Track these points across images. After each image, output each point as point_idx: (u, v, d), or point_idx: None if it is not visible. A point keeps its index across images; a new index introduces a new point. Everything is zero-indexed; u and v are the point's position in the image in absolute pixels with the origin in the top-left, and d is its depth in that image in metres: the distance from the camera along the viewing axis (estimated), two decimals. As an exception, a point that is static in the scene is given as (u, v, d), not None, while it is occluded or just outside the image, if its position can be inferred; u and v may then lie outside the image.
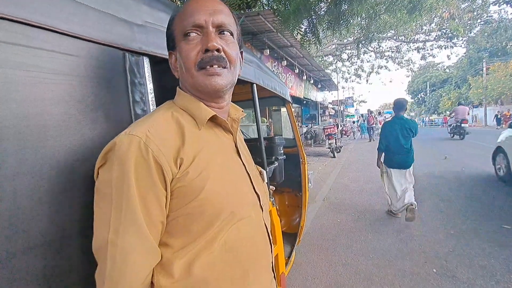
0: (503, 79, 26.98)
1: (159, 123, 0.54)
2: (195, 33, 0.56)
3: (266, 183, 1.24)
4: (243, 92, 2.15)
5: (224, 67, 0.58)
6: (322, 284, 2.16)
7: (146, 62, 0.74)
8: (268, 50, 7.19)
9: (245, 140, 1.90)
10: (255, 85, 1.28)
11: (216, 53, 0.56)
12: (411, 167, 3.31)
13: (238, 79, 1.23)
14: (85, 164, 0.58)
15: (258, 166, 0.74)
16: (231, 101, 0.70)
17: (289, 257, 2.05)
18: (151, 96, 0.74)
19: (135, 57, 0.71)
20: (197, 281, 0.52)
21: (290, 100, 1.95)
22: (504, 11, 15.31)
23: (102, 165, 0.50)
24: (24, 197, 0.49)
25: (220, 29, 0.58)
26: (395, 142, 3.24)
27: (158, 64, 0.85)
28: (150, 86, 0.74)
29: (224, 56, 0.57)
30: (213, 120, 0.60)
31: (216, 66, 0.56)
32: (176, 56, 0.61)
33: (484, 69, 29.35)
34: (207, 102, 0.61)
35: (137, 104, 0.70)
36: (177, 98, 0.62)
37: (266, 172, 1.26)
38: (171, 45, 0.61)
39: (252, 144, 1.75)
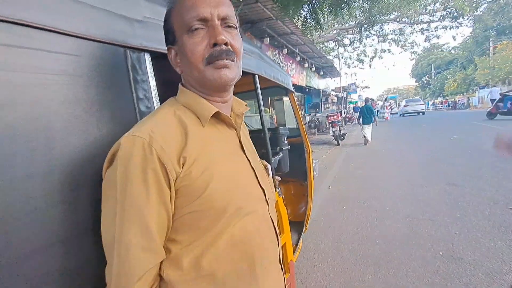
0: (511, 58, 26.27)
1: (161, 122, 0.54)
2: (200, 26, 0.55)
3: (272, 176, 1.26)
4: (245, 83, 2.13)
5: (232, 61, 0.57)
6: (329, 270, 2.20)
7: (147, 58, 0.74)
8: (268, 39, 7.09)
9: (249, 131, 1.90)
10: (257, 75, 1.27)
11: (224, 47, 0.55)
12: (370, 124, 8.78)
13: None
14: (94, 163, 0.59)
15: (263, 161, 0.74)
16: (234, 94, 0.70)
17: (296, 245, 2.08)
18: (154, 93, 0.74)
19: (137, 53, 0.71)
20: (205, 274, 0.53)
21: (292, 90, 1.93)
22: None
23: (109, 166, 0.52)
24: (36, 198, 0.50)
25: (225, 22, 0.57)
26: (364, 115, 8.79)
27: (160, 59, 0.85)
28: (152, 82, 0.74)
29: (232, 50, 0.57)
30: (216, 116, 0.60)
31: (225, 60, 0.56)
32: (176, 51, 0.60)
33: (491, 48, 28.56)
34: (211, 97, 0.61)
35: (141, 102, 0.70)
36: (180, 95, 0.62)
37: (271, 165, 1.27)
38: (171, 39, 0.60)
39: (256, 135, 1.76)
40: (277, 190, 1.28)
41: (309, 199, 2.21)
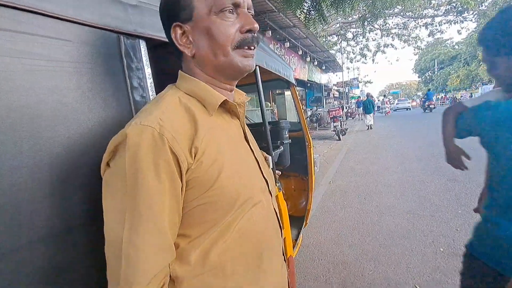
0: (515, 54, 25.94)
1: (169, 110, 0.50)
2: (231, 10, 0.54)
3: (272, 168, 1.23)
4: (245, 76, 2.09)
5: (255, 47, 0.59)
6: (329, 265, 2.19)
7: (142, 45, 0.71)
8: (270, 32, 6.98)
9: (250, 125, 1.86)
10: (258, 67, 1.23)
11: (255, 34, 0.56)
12: (371, 114, 11.80)
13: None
14: (84, 154, 0.56)
15: (263, 152, 0.73)
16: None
17: (296, 240, 2.07)
18: (149, 81, 0.71)
19: (131, 40, 0.68)
20: (213, 267, 0.52)
21: (294, 83, 1.89)
22: (519, -20, 14.41)
23: (111, 158, 0.48)
24: (22, 190, 0.48)
25: (249, 12, 0.57)
26: (366, 107, 12.02)
27: (155, 47, 0.82)
28: (148, 70, 0.71)
29: (258, 37, 0.58)
30: (223, 105, 0.58)
31: (253, 48, 0.57)
32: (187, 30, 0.55)
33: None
34: (221, 84, 0.59)
35: (135, 90, 0.67)
36: (182, 82, 0.58)
37: (272, 157, 1.24)
38: (181, 15, 0.54)
39: (257, 128, 1.73)
40: (277, 184, 1.25)
41: (309, 194, 2.19)
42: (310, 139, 2.08)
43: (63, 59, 0.55)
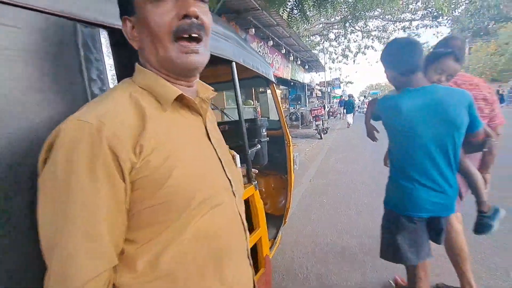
0: (483, 59, 27.64)
1: (114, 106, 0.47)
2: None
3: (248, 168, 1.20)
4: (224, 73, 2.05)
5: (201, 39, 0.52)
6: (307, 263, 2.21)
7: (103, 34, 0.65)
8: (253, 29, 6.95)
9: (226, 122, 1.82)
10: (234, 63, 1.20)
11: (195, 20, 0.49)
12: (351, 113, 12.91)
13: (215, 57, 1.14)
14: (29, 154, 0.51)
15: (231, 151, 0.69)
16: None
17: (275, 239, 2.06)
18: (111, 74, 0.66)
19: (89, 28, 0.62)
20: (164, 274, 0.48)
21: (274, 81, 1.88)
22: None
23: (46, 156, 0.44)
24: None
25: None
26: (347, 107, 13.09)
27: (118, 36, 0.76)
28: (109, 62, 0.66)
29: (202, 25, 0.51)
30: (180, 100, 0.54)
31: (195, 36, 0.50)
32: (133, 23, 0.53)
33: (467, 49, 29.83)
34: (175, 80, 0.55)
35: (94, 83, 0.62)
36: (137, 76, 0.54)
37: (247, 156, 1.22)
38: (128, 8, 0.52)
39: (234, 126, 1.69)
40: (253, 183, 1.23)
41: (289, 193, 2.19)
42: (290, 137, 2.08)
43: (11, 47, 0.50)
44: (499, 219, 1.34)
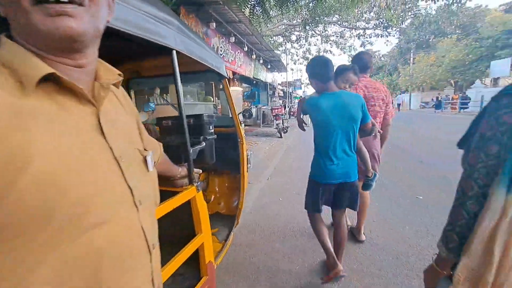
0: (424, 69, 30.99)
1: None
2: None
3: (190, 168, 1.09)
4: (167, 65, 1.90)
5: (80, 4, 0.40)
6: (259, 262, 2.18)
7: None
8: (214, 24, 6.75)
9: (168, 117, 1.68)
10: (175, 52, 1.09)
11: None
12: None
13: (152, 44, 1.01)
14: None
15: (146, 151, 0.57)
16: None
17: (226, 240, 1.99)
18: None
19: None
20: None
21: (226, 75, 1.79)
22: (430, 7, 17.24)
23: None
24: None
25: None
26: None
27: None
28: None
29: None
30: (56, 82, 0.42)
31: (64, 4, 0.38)
32: None
33: (411, 59, 33.20)
34: (53, 56, 0.42)
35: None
36: (0, 49, 0.41)
37: (188, 156, 1.12)
38: None
39: (177, 122, 1.56)
40: (195, 184, 1.13)
41: (241, 193, 2.13)
42: (243, 135, 2.01)
43: None
44: (375, 181, 1.99)
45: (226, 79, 1.84)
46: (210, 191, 2.50)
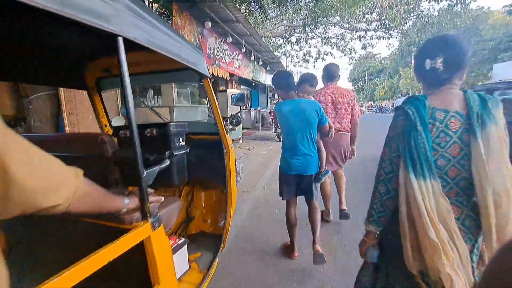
0: (426, 72, 30.74)
1: None
2: None
3: (143, 197, 0.77)
4: (148, 62, 1.61)
5: None
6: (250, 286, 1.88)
7: None
8: (210, 23, 6.47)
9: (123, 126, 1.38)
10: (121, 39, 0.79)
11: None
12: None
13: (82, 25, 0.72)
14: None
15: None
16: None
17: (208, 269, 1.68)
18: None
19: None
20: None
21: (207, 75, 1.49)
22: (433, 8, 17.00)
23: None
24: None
25: None
26: None
27: None
28: None
29: None
30: None
31: None
32: None
33: (413, 61, 32.95)
34: None
35: None
36: None
37: (141, 177, 0.81)
38: None
39: (141, 132, 1.25)
40: (150, 219, 0.83)
41: (228, 210, 1.83)
42: (229, 145, 1.71)
43: None
44: (326, 176, 2.31)
45: (208, 79, 1.54)
46: (195, 207, 2.19)
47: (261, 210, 3.34)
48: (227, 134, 1.74)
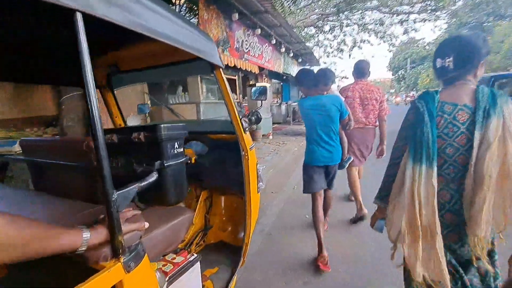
0: (479, 56, 27.32)
1: None
2: None
3: (114, 231, 0.54)
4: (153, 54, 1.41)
5: None
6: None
7: None
8: (237, 14, 6.25)
9: (111, 130, 1.18)
10: (79, 15, 0.57)
11: None
12: None
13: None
14: None
15: None
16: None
17: (227, 285, 1.47)
18: None
19: None
20: None
21: (220, 64, 1.25)
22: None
23: None
24: None
25: None
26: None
27: None
28: None
29: None
30: None
31: None
32: None
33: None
34: None
35: None
36: None
37: (110, 202, 0.60)
38: None
39: (123, 138, 1.03)
40: (122, 259, 0.62)
41: (247, 221, 1.59)
42: (247, 147, 1.46)
43: None
44: (348, 162, 2.45)
45: (221, 69, 1.30)
46: (214, 214, 1.99)
47: (290, 215, 3.06)
48: (245, 133, 1.49)
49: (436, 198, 0.94)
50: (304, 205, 3.28)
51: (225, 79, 1.36)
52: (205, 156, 1.73)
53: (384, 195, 1.17)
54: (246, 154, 1.48)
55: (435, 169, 0.96)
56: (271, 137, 8.72)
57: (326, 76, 2.25)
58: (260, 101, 1.67)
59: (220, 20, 6.10)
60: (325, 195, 2.36)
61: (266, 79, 11.76)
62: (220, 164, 1.71)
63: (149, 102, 4.42)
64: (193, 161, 1.53)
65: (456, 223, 1.00)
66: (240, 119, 1.48)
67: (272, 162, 5.53)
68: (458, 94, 1.02)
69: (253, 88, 1.62)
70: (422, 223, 0.95)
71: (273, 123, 9.48)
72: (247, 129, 1.50)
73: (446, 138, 0.99)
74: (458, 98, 1.01)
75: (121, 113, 1.95)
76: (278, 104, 12.56)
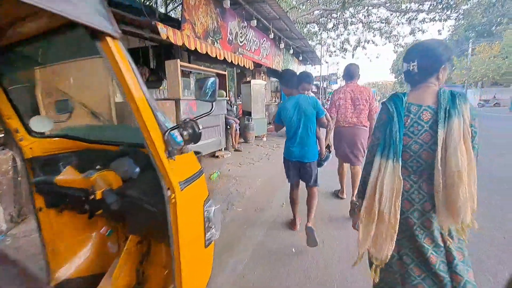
0: (487, 61, 26.61)
1: None
2: None
3: None
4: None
5: None
6: None
7: None
8: (228, 2, 5.59)
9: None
10: None
11: None
12: None
13: None
14: None
15: None
16: None
17: None
18: None
19: None
20: None
21: (109, 30, 0.63)
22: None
23: None
24: None
25: None
26: None
27: None
28: None
29: None
30: None
31: None
32: None
33: (470, 49, 28.76)
34: None
35: None
36: None
37: None
38: None
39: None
40: None
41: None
42: (175, 182, 0.83)
43: None
44: (327, 161, 2.68)
45: (113, 39, 0.67)
46: (153, 264, 1.37)
47: (274, 244, 2.43)
48: (172, 156, 0.85)
49: (401, 189, 1.08)
50: (292, 232, 2.65)
51: (125, 56, 0.72)
52: (135, 180, 1.12)
53: (363, 193, 1.24)
54: (173, 194, 0.85)
55: (401, 163, 1.10)
56: (265, 139, 8.09)
57: (308, 77, 2.55)
58: (210, 103, 1.01)
59: (210, 8, 5.45)
60: (308, 192, 2.53)
61: (264, 76, 11.10)
62: (154, 195, 1.08)
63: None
64: (99, 196, 0.91)
65: (412, 210, 1.14)
66: (166, 132, 0.84)
67: (262, 170, 4.91)
68: (422, 96, 1.14)
69: (198, 79, 0.97)
70: (380, 209, 1.11)
71: (269, 123, 8.83)
72: (176, 149, 0.85)
73: (412, 136, 1.12)
74: (422, 100, 1.13)
75: (18, 113, 1.32)
76: (276, 103, 11.92)
